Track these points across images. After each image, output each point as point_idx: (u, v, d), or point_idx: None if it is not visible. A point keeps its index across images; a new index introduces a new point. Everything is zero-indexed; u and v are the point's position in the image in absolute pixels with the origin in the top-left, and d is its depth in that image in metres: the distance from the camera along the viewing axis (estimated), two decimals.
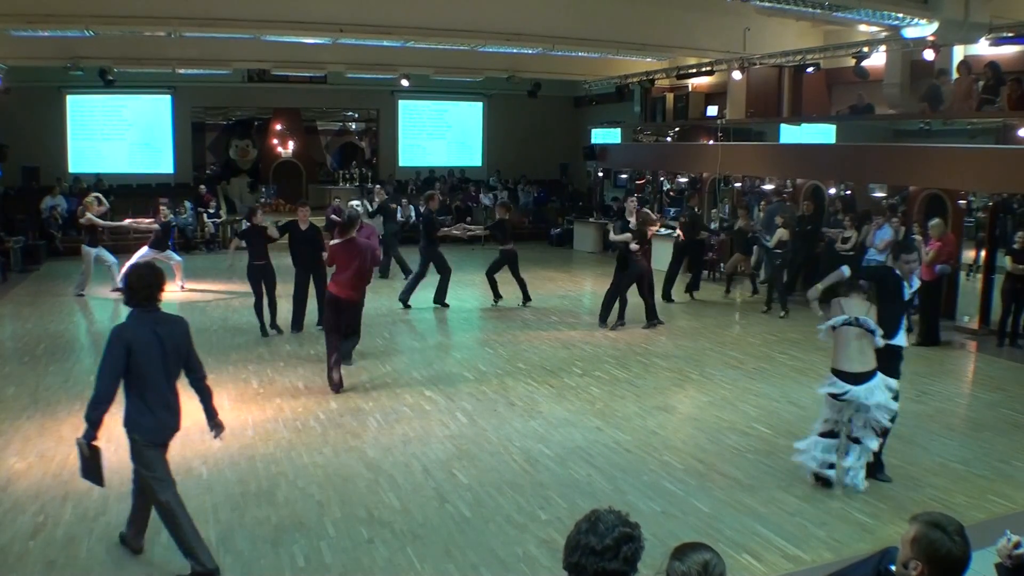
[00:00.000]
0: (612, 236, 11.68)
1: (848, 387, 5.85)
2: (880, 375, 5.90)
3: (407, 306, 12.57)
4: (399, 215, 15.63)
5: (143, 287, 4.49)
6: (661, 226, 12.28)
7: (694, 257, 14.16)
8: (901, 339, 6.24)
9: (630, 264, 11.14)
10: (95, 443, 4.46)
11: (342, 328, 8.49)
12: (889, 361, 6.06)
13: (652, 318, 11.48)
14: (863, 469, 6.04)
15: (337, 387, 8.30)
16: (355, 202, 9.07)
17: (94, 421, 4.40)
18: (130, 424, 4.53)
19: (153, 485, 4.57)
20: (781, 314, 12.43)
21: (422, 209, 13.08)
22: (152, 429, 4.52)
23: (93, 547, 5.07)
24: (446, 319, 12.29)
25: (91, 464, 4.51)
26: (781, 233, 12.48)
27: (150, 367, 4.43)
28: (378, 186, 15.91)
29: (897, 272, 6.27)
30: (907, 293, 6.26)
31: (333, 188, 21.82)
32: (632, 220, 11.48)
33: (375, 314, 11.59)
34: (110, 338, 4.43)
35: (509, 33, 13.75)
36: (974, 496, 5.97)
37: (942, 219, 11.01)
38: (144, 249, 13.13)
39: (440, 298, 12.67)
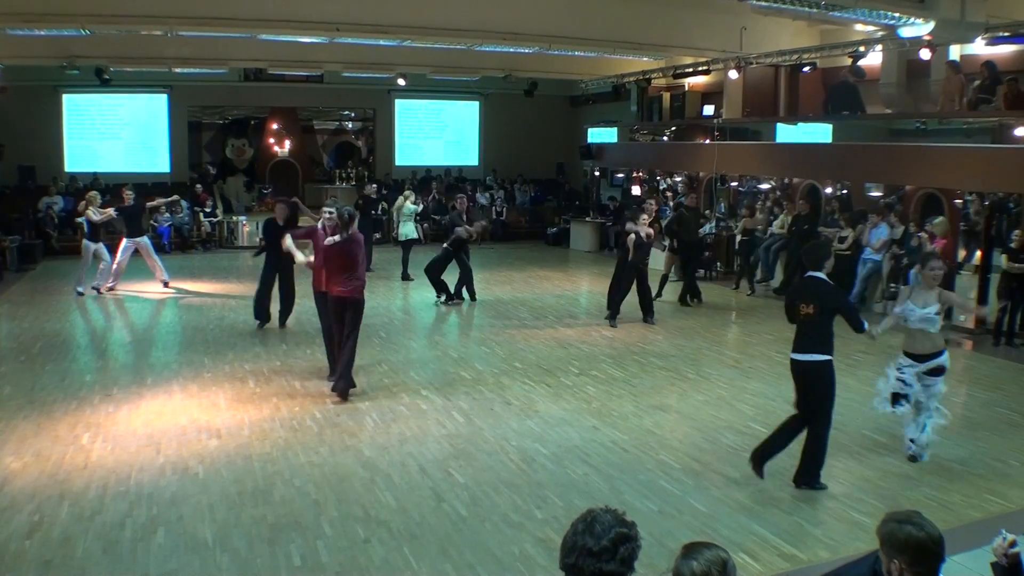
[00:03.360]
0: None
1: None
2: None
3: (474, 299, 13.02)
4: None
5: None
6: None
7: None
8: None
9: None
10: None
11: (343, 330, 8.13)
12: None
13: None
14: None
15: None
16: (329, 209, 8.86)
17: None
18: None
19: None
20: (748, 292, 13.77)
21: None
22: None
23: (89, 547, 5.06)
24: (443, 318, 12.30)
25: None
26: (776, 224, 12.92)
27: None
28: (409, 189, 15.81)
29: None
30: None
31: (329, 187, 21.77)
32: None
33: (372, 314, 11.56)
34: None
35: (506, 32, 13.75)
36: (970, 495, 5.98)
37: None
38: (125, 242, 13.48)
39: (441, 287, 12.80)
